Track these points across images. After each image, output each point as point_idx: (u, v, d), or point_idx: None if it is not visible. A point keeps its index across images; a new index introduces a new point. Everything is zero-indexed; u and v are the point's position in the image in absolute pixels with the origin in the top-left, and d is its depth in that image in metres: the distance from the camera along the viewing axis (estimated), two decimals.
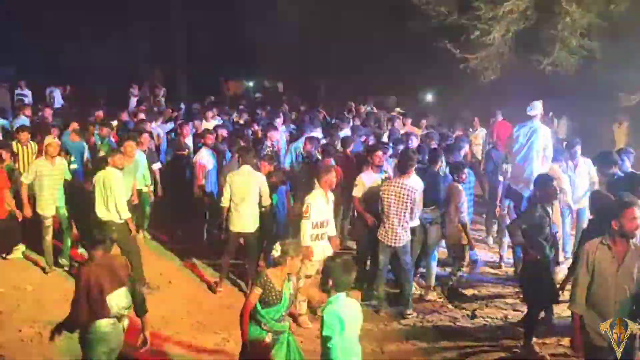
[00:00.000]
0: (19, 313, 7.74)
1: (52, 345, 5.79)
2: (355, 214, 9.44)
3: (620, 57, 14.05)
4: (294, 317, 7.44)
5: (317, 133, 11.87)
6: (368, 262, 8.70)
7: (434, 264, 8.72)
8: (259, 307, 5.31)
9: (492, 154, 11.53)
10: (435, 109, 21.54)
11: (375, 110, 17.33)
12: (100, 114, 13.96)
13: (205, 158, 10.17)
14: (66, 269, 9.07)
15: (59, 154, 9.24)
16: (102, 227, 8.19)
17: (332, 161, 9.48)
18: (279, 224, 9.10)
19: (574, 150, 9.84)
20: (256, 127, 12.87)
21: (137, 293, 5.50)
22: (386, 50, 21.31)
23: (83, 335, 5.29)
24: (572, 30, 14.39)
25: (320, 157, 9.87)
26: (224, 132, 11.73)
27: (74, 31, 22.53)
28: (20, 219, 9.11)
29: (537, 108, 9.52)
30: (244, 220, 8.46)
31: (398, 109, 18.49)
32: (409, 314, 8.01)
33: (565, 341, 7.09)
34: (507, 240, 9.56)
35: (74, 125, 11.73)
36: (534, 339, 7.09)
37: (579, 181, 9.70)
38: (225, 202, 8.53)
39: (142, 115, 13.93)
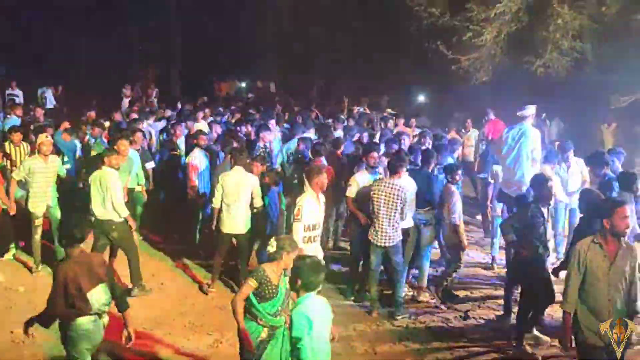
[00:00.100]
0: (11, 314, 7.70)
1: (45, 347, 5.77)
2: (348, 214, 9.44)
3: (611, 59, 14.13)
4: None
5: (310, 133, 11.87)
6: (361, 263, 8.70)
7: (426, 264, 8.73)
8: (255, 301, 5.34)
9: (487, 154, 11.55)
10: (428, 109, 21.57)
11: (367, 110, 17.34)
12: (92, 114, 13.91)
13: (197, 159, 10.14)
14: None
15: (51, 153, 9.22)
16: (101, 226, 8.24)
17: (323, 161, 9.47)
18: (271, 225, 9.09)
19: (567, 155, 9.91)
20: (250, 128, 12.86)
21: (117, 288, 5.52)
22: (379, 51, 21.35)
23: (65, 333, 5.31)
24: (564, 32, 14.45)
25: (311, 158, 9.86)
26: (217, 129, 11.72)
27: (65, 31, 22.44)
28: (12, 213, 9.04)
29: (528, 111, 9.56)
30: (236, 221, 8.45)
31: (389, 110, 18.53)
32: (400, 316, 8.01)
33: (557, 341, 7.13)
34: (498, 240, 9.61)
35: (65, 124, 11.69)
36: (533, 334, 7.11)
37: (571, 181, 9.75)
38: (216, 203, 8.53)
39: (134, 115, 13.90)
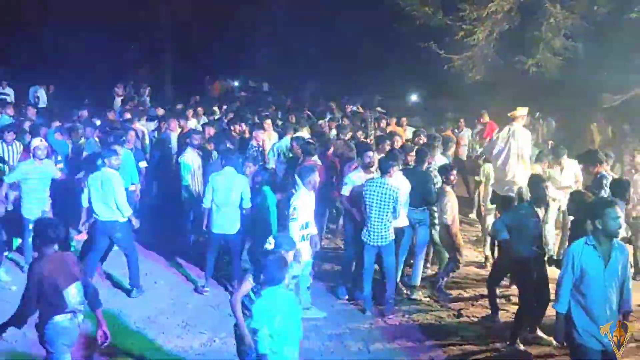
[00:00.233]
0: (4, 314, 7.64)
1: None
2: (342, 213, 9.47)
3: (603, 59, 14.20)
4: None
5: (303, 133, 11.88)
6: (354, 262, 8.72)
7: (420, 263, 8.75)
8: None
9: None
10: (420, 109, 21.62)
11: (361, 109, 17.36)
12: (84, 113, 13.85)
13: (190, 158, 10.13)
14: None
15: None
16: (104, 227, 8.24)
17: (315, 160, 9.46)
18: (263, 224, 9.06)
19: (559, 160, 9.97)
20: (244, 127, 12.85)
21: (90, 287, 5.56)
22: (371, 51, 21.37)
23: (42, 333, 5.34)
24: (556, 31, 14.51)
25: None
26: (211, 131, 11.71)
27: (57, 30, 22.33)
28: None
29: (518, 112, 9.63)
30: (226, 221, 8.47)
31: (379, 108, 18.55)
32: (391, 314, 8.02)
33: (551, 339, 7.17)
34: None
35: (56, 123, 11.64)
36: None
37: (564, 182, 9.79)
38: (207, 203, 8.54)
39: (128, 115, 13.86)
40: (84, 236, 10.32)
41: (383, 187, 7.83)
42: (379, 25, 19.58)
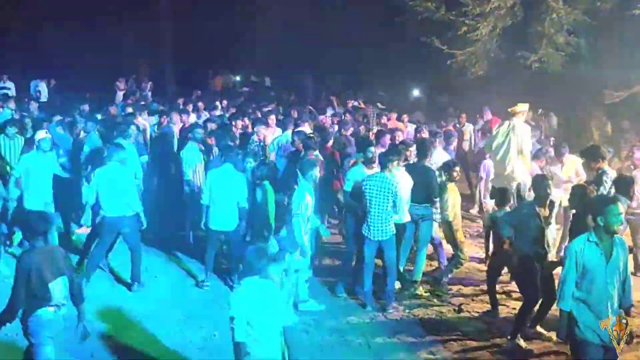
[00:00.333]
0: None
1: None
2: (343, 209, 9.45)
3: (606, 55, 14.17)
4: None
5: (305, 128, 11.86)
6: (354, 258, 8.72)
7: (422, 259, 8.75)
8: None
9: None
10: (422, 104, 21.59)
11: (362, 105, 17.33)
12: (85, 107, 13.84)
13: (192, 152, 10.12)
14: None
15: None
16: (112, 222, 8.22)
17: (316, 154, 9.45)
18: (262, 219, 9.05)
19: (561, 158, 9.96)
20: (247, 122, 12.85)
21: (75, 283, 5.62)
22: (373, 46, 21.33)
23: (26, 325, 5.39)
24: (559, 27, 14.50)
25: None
26: (212, 126, 11.71)
27: (58, 24, 22.31)
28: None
29: (519, 107, 9.62)
30: (223, 218, 8.47)
31: (378, 104, 18.52)
32: (391, 309, 8.02)
33: (552, 334, 7.18)
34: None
35: (58, 117, 11.63)
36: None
37: (565, 178, 9.79)
38: (205, 200, 8.54)
39: (129, 109, 13.85)
40: (84, 230, 10.35)
41: (382, 182, 7.83)
42: (381, 20, 19.53)
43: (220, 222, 8.48)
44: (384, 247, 7.99)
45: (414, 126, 13.53)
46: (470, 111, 15.40)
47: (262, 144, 11.12)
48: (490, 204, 10.04)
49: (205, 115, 14.78)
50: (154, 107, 15.32)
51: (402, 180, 8.09)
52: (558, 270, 7.43)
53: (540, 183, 7.25)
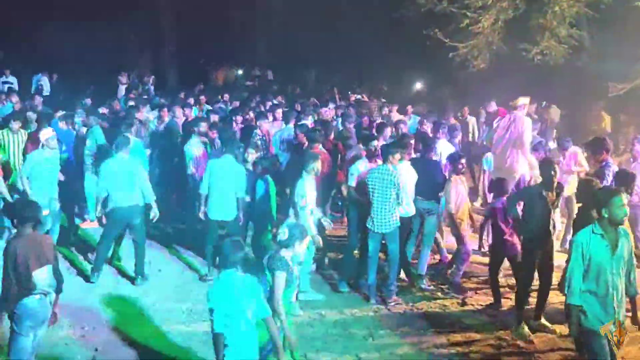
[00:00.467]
0: None
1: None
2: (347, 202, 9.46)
3: (608, 47, 14.14)
4: None
5: (308, 121, 11.86)
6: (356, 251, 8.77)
7: (427, 253, 8.77)
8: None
9: None
10: (425, 97, 21.55)
11: (365, 98, 17.32)
12: (88, 101, 13.84)
13: (195, 146, 10.12)
14: None
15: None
16: (123, 213, 8.27)
17: (320, 147, 9.44)
18: (263, 212, 9.06)
19: (564, 152, 9.96)
20: (251, 115, 12.86)
21: (57, 273, 5.69)
22: (375, 38, 21.29)
23: (12, 312, 5.44)
24: (561, 19, 14.46)
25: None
26: (215, 118, 11.73)
27: (59, 17, 22.26)
28: None
29: (520, 101, 9.62)
30: (223, 208, 8.48)
31: (382, 99, 18.53)
32: (392, 301, 8.04)
33: (557, 327, 7.20)
34: None
35: (60, 112, 11.63)
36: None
37: (565, 168, 9.80)
38: (204, 189, 8.55)
39: (132, 103, 13.85)
40: (88, 224, 10.37)
41: (384, 174, 7.84)
42: (383, 13, 19.49)
43: (219, 211, 8.49)
44: (387, 240, 8.00)
45: (418, 118, 13.52)
46: (473, 104, 15.37)
47: (264, 137, 11.12)
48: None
49: (207, 108, 14.78)
50: (156, 101, 15.32)
51: (405, 174, 8.08)
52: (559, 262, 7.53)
53: (547, 167, 7.27)
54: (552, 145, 11.24)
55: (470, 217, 8.78)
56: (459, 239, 8.58)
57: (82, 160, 10.46)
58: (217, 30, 25.02)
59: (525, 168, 9.69)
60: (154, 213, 8.56)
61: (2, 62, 20.49)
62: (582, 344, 5.59)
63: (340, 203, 11.02)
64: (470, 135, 14.44)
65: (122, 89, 18.58)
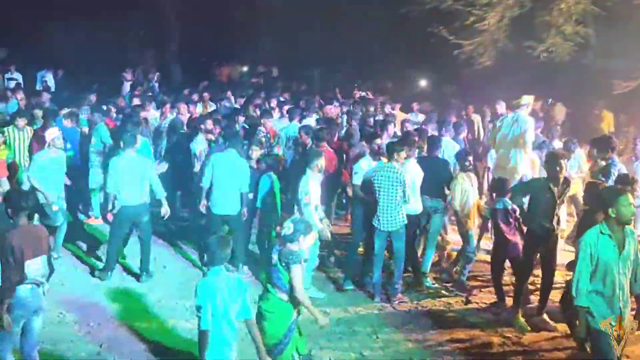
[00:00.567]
0: None
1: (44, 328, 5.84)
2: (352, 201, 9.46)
3: (614, 44, 14.09)
4: None
5: (312, 119, 11.86)
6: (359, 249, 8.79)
7: (432, 251, 8.77)
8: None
9: None
10: (429, 95, 21.50)
11: (370, 96, 17.30)
12: (93, 97, 13.84)
13: (200, 144, 10.13)
14: (55, 256, 8.98)
15: None
16: (132, 211, 8.28)
17: (325, 146, 9.43)
18: (268, 209, 9.05)
19: (570, 154, 9.94)
20: (258, 112, 12.88)
21: (49, 265, 5.72)
22: (380, 36, 21.25)
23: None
24: (567, 17, 14.41)
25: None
26: (218, 117, 11.73)
27: (63, 14, 22.27)
28: None
29: (524, 100, 9.60)
30: (226, 202, 8.48)
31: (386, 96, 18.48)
32: (396, 300, 8.04)
33: (559, 327, 7.19)
34: None
35: (65, 110, 11.64)
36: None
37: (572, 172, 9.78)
38: (205, 182, 8.55)
39: (137, 101, 13.86)
40: (92, 220, 10.40)
41: (390, 172, 7.83)
42: (388, 10, 19.43)
43: (223, 205, 8.49)
44: (393, 238, 8.00)
45: (423, 116, 13.51)
46: (478, 102, 15.33)
47: (268, 135, 11.12)
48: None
49: (211, 105, 14.80)
50: (160, 99, 15.33)
51: (412, 172, 8.08)
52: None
53: (552, 160, 7.25)
54: (558, 144, 11.21)
55: (480, 215, 8.75)
56: (465, 237, 8.57)
57: (87, 157, 10.46)
58: (222, 26, 24.98)
59: (527, 168, 9.68)
60: (165, 209, 8.56)
61: (6, 58, 20.50)
62: (584, 343, 5.58)
63: (345, 201, 11.01)
64: (476, 133, 14.41)
65: (126, 86, 18.59)
